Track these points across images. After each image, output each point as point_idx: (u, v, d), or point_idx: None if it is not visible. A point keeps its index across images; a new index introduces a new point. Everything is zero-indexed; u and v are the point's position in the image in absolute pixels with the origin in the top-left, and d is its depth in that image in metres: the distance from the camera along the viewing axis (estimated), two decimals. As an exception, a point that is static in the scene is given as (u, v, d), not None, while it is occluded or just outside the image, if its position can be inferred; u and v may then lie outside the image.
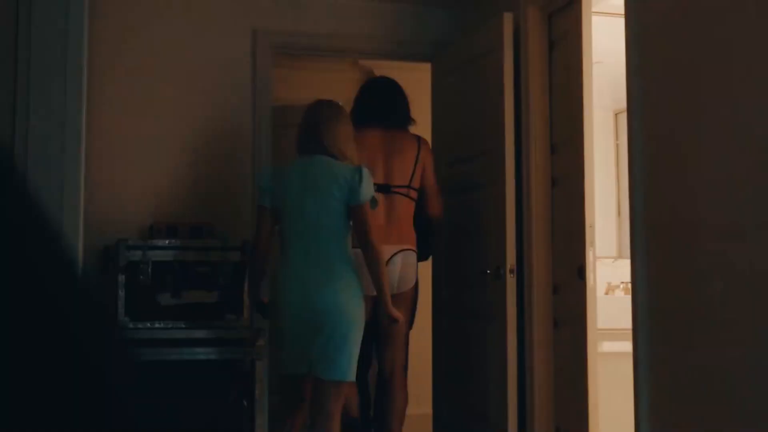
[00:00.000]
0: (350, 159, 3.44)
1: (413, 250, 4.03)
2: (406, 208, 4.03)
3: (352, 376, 3.33)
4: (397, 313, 3.45)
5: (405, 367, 4.09)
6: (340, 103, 3.66)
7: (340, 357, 3.27)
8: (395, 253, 3.94)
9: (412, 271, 4.02)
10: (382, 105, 4.06)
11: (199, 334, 3.99)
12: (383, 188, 3.96)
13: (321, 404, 3.31)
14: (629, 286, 3.44)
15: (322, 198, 3.34)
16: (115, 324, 3.85)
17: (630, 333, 3.37)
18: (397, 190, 4.02)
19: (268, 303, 3.58)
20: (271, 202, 3.43)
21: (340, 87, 6.32)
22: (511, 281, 4.09)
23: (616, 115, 5.57)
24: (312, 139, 3.43)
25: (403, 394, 4.03)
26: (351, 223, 3.36)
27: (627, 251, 3.55)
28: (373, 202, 3.38)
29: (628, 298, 3.43)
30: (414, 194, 4.08)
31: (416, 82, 6.00)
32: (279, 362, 3.48)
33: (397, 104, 4.16)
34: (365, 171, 3.36)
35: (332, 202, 3.33)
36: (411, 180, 4.07)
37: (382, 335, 4.01)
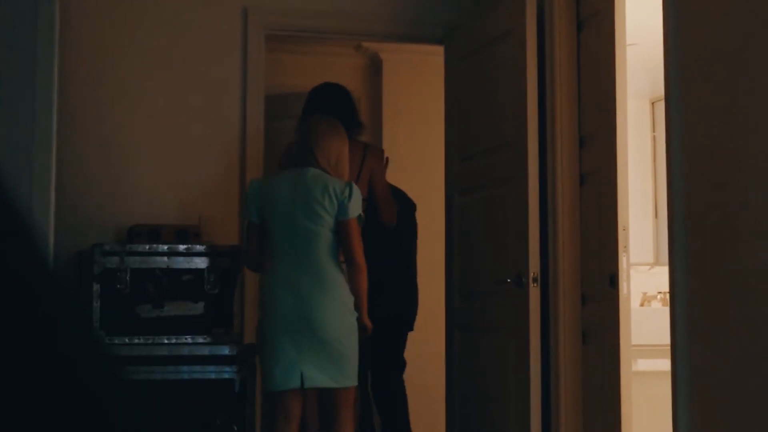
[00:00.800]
0: (342, 174, 3.82)
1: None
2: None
3: (356, 380, 3.72)
4: (370, 324, 3.81)
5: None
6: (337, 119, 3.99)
7: (344, 364, 3.64)
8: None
9: None
10: (328, 112, 4.20)
11: (184, 350, 3.99)
12: None
13: (333, 414, 3.67)
14: (667, 296, 3.43)
15: (313, 210, 3.70)
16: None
17: (668, 350, 3.36)
18: None
19: (259, 317, 3.79)
20: (259, 218, 3.77)
21: (341, 73, 6.33)
22: (534, 291, 4.09)
23: (652, 103, 5.56)
24: (306, 151, 3.80)
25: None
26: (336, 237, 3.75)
27: (665, 257, 3.54)
28: (360, 218, 3.77)
29: (667, 310, 3.41)
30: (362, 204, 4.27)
31: (427, 66, 6.02)
32: (266, 379, 3.69)
33: (342, 111, 4.30)
34: (355, 187, 3.75)
35: (323, 214, 3.70)
36: None
37: None
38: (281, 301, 3.62)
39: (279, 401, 3.67)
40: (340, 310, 3.64)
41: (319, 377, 3.60)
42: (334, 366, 3.61)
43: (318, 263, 3.66)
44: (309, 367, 3.59)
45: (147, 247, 4.07)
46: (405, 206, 4.87)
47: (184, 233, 4.23)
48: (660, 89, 3.53)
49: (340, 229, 3.71)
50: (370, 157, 4.38)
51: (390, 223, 4.43)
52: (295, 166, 3.81)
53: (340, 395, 3.67)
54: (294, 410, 3.69)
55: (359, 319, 3.73)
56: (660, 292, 5.24)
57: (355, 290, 3.72)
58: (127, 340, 3.96)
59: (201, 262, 4.12)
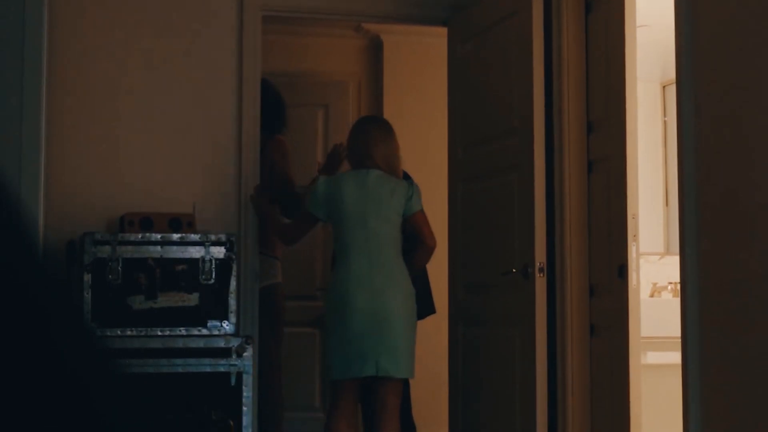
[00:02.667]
0: (397, 174, 4.23)
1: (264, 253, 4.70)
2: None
3: (413, 374, 4.11)
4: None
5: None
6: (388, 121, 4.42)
7: (408, 357, 4.01)
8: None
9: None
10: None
11: (178, 342, 3.99)
12: None
13: (387, 402, 4.05)
14: (678, 287, 3.43)
15: (382, 210, 4.10)
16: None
17: (679, 342, 3.36)
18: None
19: (326, 310, 4.14)
20: (325, 216, 4.15)
21: (341, 56, 6.32)
22: (540, 281, 4.09)
23: (663, 87, 5.55)
24: (366, 154, 4.18)
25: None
26: (407, 230, 4.20)
27: (676, 247, 3.54)
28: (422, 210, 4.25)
29: (677, 301, 3.42)
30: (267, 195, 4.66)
31: (429, 49, 6.01)
32: (337, 367, 4.01)
33: (264, 110, 4.63)
34: (415, 183, 4.23)
35: (392, 214, 4.11)
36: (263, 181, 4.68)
37: None
38: (356, 296, 3.96)
39: (343, 389, 4.04)
40: (408, 304, 4.03)
41: (391, 366, 3.95)
42: (403, 357, 3.97)
43: (389, 260, 4.05)
44: (384, 357, 3.94)
45: (139, 236, 4.07)
46: None
47: (178, 222, 4.22)
48: (671, 72, 3.53)
49: (411, 222, 4.16)
50: (270, 146, 4.78)
51: (289, 213, 4.77)
52: (356, 168, 4.20)
53: (398, 385, 4.05)
54: (355, 398, 4.12)
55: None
56: (670, 283, 5.25)
57: (419, 264, 4.26)
58: (119, 332, 3.96)
59: (195, 252, 4.12)
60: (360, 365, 3.96)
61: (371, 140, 4.19)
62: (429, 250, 4.22)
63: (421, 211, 4.18)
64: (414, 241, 4.37)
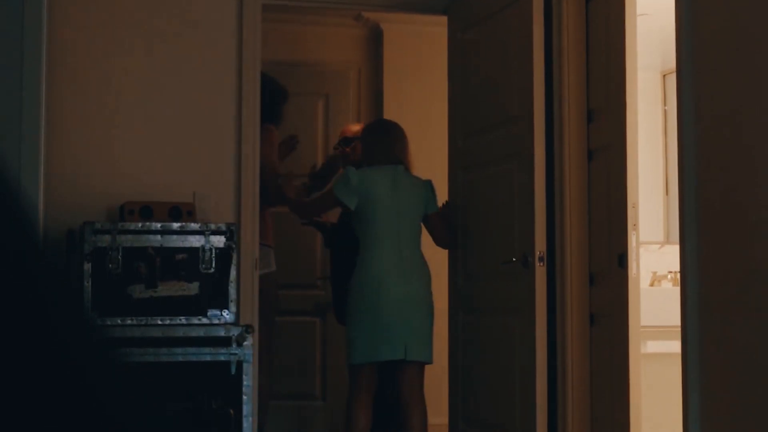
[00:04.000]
0: (412, 170, 4.60)
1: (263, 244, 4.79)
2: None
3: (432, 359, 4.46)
4: None
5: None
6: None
7: (430, 342, 4.37)
8: None
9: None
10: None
11: (178, 332, 4.00)
12: None
13: (414, 384, 4.39)
14: (678, 276, 3.43)
15: (410, 203, 4.47)
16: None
17: (678, 331, 3.37)
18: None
19: (352, 297, 4.38)
20: (355, 204, 4.41)
21: (341, 45, 6.31)
22: (540, 270, 4.10)
23: (663, 76, 5.55)
24: (389, 151, 4.53)
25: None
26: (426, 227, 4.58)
27: (676, 235, 3.54)
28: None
29: (677, 290, 3.42)
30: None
31: (429, 38, 6.00)
32: (363, 351, 4.29)
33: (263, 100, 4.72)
34: (432, 184, 4.59)
35: (417, 208, 4.49)
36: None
37: None
38: (388, 284, 4.27)
39: (364, 374, 4.35)
40: (430, 293, 4.39)
41: (418, 350, 4.30)
42: (428, 342, 4.33)
43: (414, 251, 4.40)
44: (411, 342, 4.27)
45: (139, 225, 4.08)
46: None
47: (178, 211, 4.22)
48: (672, 61, 3.52)
49: (432, 219, 4.55)
50: (261, 137, 4.80)
51: (272, 201, 4.88)
52: (381, 164, 4.49)
53: (423, 369, 4.41)
54: (374, 383, 4.41)
55: None
56: (671, 272, 5.25)
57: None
58: (119, 321, 3.97)
59: (195, 241, 4.12)
60: (390, 349, 4.26)
61: (396, 139, 4.54)
62: (451, 246, 4.70)
63: (437, 212, 4.56)
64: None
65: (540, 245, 4.10)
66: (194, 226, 4.14)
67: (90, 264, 3.98)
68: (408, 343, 4.27)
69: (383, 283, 4.28)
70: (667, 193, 5.47)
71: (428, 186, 4.56)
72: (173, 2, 4.54)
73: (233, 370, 4.06)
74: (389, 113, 6.15)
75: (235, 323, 4.14)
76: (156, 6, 4.52)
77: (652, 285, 5.30)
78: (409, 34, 6.23)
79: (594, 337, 4.11)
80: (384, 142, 4.56)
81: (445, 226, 4.64)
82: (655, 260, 5.29)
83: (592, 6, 4.19)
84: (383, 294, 4.27)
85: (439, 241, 4.67)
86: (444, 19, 5.01)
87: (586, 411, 4.12)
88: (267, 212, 4.92)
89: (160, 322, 4.01)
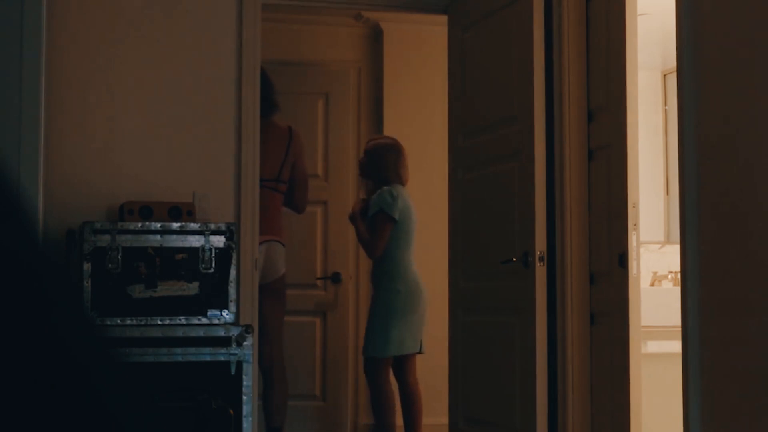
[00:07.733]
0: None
1: (278, 241, 4.88)
2: (272, 200, 4.83)
3: None
4: None
5: (282, 360, 5.01)
6: None
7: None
8: (260, 244, 4.59)
9: (277, 262, 4.90)
10: None
11: (178, 331, 4.00)
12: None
13: (413, 372, 5.06)
14: (678, 276, 3.43)
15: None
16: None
17: (678, 331, 3.37)
18: (265, 184, 4.71)
19: (401, 297, 4.90)
20: (399, 218, 4.91)
21: (341, 45, 6.31)
22: (540, 270, 4.10)
23: (664, 75, 5.55)
24: (401, 171, 5.04)
25: (281, 387, 4.99)
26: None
27: (676, 235, 3.54)
28: None
29: (677, 290, 3.42)
30: (283, 187, 4.93)
31: (429, 37, 6.00)
32: (394, 344, 4.86)
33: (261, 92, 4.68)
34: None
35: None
36: (280, 174, 4.91)
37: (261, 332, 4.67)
38: (417, 284, 4.92)
39: (386, 365, 4.94)
40: None
41: (422, 344, 4.99)
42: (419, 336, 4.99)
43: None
44: (421, 336, 4.96)
45: (139, 224, 4.08)
46: None
47: (178, 210, 4.23)
48: (672, 61, 3.53)
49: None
50: (295, 140, 4.95)
51: (302, 209, 5.08)
52: (380, 184, 4.97)
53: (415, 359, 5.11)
54: (389, 372, 5.01)
55: None
56: (671, 272, 5.25)
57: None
58: (119, 321, 3.97)
59: (195, 241, 4.12)
60: (413, 344, 4.94)
61: (404, 159, 5.04)
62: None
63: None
64: None
65: (540, 245, 4.10)
66: (194, 226, 4.14)
67: (90, 264, 3.98)
68: (422, 338, 4.98)
69: (420, 286, 4.96)
70: (667, 193, 5.47)
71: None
72: (173, 2, 4.54)
73: (233, 370, 4.06)
74: (389, 113, 6.16)
75: (235, 323, 4.14)
76: (156, 6, 4.52)
77: (652, 285, 5.30)
78: (409, 33, 6.23)
79: (594, 337, 4.11)
80: (399, 162, 5.05)
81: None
82: (655, 260, 5.30)
83: (593, 5, 4.19)
84: (421, 295, 4.95)
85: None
86: (444, 18, 5.01)
87: (586, 411, 4.12)
88: (281, 207, 4.95)
89: (159, 322, 4.01)
